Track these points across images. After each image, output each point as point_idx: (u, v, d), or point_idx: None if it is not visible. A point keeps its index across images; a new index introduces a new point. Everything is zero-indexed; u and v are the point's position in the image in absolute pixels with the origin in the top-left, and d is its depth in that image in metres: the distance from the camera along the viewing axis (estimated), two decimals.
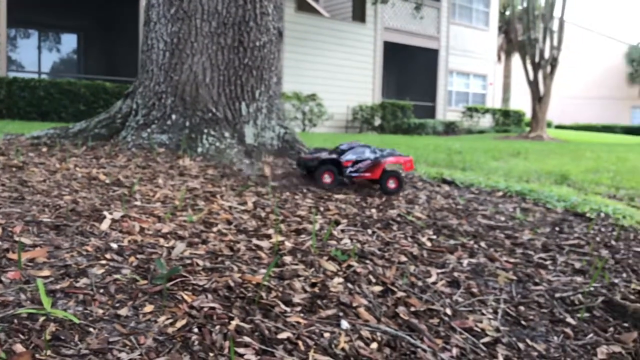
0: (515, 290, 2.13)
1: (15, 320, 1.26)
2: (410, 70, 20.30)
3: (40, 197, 2.28)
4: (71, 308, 1.37)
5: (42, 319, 1.28)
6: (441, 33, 20.04)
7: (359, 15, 18.07)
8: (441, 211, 3.11)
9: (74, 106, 11.62)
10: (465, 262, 2.33)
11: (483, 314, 1.89)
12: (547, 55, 16.85)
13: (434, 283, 2.05)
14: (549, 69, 16.85)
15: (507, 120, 20.62)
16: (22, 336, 1.21)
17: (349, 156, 3.34)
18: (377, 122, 17.03)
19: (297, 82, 15.44)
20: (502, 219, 3.21)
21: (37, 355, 1.15)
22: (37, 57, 16.90)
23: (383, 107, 17.01)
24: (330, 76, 16.59)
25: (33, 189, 2.42)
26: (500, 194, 3.93)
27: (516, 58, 24.26)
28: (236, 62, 4.40)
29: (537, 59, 16.86)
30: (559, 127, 29.24)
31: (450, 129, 18.38)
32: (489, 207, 3.43)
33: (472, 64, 21.56)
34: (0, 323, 1.24)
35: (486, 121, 20.38)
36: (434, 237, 2.59)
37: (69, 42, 18.01)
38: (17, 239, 1.73)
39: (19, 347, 1.16)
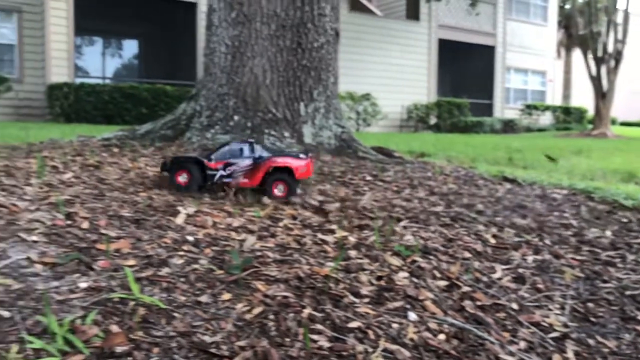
0: (583, 287, 2.11)
1: (109, 304, 1.37)
2: (466, 68, 19.97)
3: (118, 194, 2.43)
4: (156, 294, 1.47)
5: (132, 303, 1.39)
6: (497, 29, 19.62)
7: (412, 13, 17.94)
8: (504, 209, 3.09)
9: (136, 109, 12.07)
10: (530, 258, 2.32)
11: (550, 310, 1.88)
12: (610, 49, 16.21)
13: (499, 279, 2.06)
14: (612, 63, 16.21)
15: (568, 117, 19.96)
16: (116, 318, 1.32)
17: (219, 156, 2.72)
18: (433, 120, 16.85)
19: (351, 82, 15.48)
20: (567, 216, 3.15)
21: (130, 336, 1.25)
22: (101, 63, 17.66)
23: (439, 106, 16.82)
24: (384, 75, 16.55)
25: (111, 187, 2.57)
26: (565, 192, 3.84)
27: (577, 53, 23.43)
28: (295, 64, 4.50)
29: (599, 54, 16.25)
30: (624, 124, 28.03)
31: (508, 127, 17.96)
32: (552, 205, 3.37)
33: (531, 60, 20.98)
34: (96, 306, 1.35)
35: (546, 119, 19.79)
36: (498, 233, 2.58)
37: (131, 47, 18.72)
38: (103, 231, 1.86)
39: (114, 328, 1.27)
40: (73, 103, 11.60)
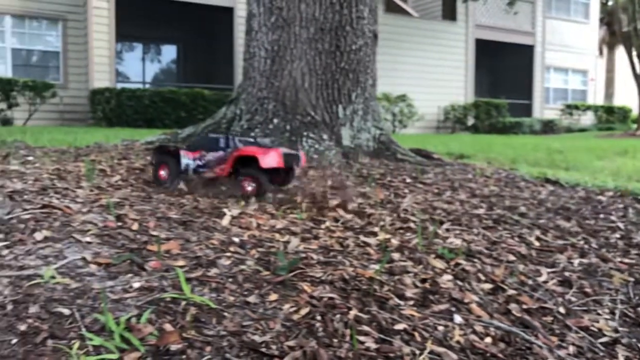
0: (633, 292, 2.06)
1: (162, 304, 1.41)
2: (504, 68, 19.64)
3: (164, 196, 2.49)
4: (206, 294, 1.51)
5: (183, 303, 1.43)
6: (536, 28, 19.24)
7: (449, 13, 17.77)
8: (547, 211, 3.04)
9: (175, 113, 12.30)
10: (576, 262, 2.28)
11: (599, 314, 1.84)
12: None
13: (545, 282, 2.03)
14: None
15: (610, 117, 19.40)
16: (169, 317, 1.36)
17: (197, 146, 2.76)
18: (470, 121, 16.64)
19: (387, 83, 15.38)
20: (613, 219, 3.07)
21: (183, 334, 1.28)
22: (141, 68, 18.05)
23: (476, 106, 16.60)
24: (421, 76, 16.43)
25: (157, 189, 2.64)
26: (610, 193, 3.75)
27: (620, 51, 22.76)
28: (333, 66, 4.52)
29: None
30: None
31: (548, 127, 17.58)
32: (598, 207, 3.30)
33: (571, 59, 20.49)
34: (149, 305, 1.39)
35: (587, 119, 19.30)
36: (542, 236, 2.54)
37: (169, 52, 19.07)
38: (152, 233, 1.91)
39: (168, 327, 1.31)
40: (115, 107, 11.90)
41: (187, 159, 2.73)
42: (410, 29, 16.56)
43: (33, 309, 1.32)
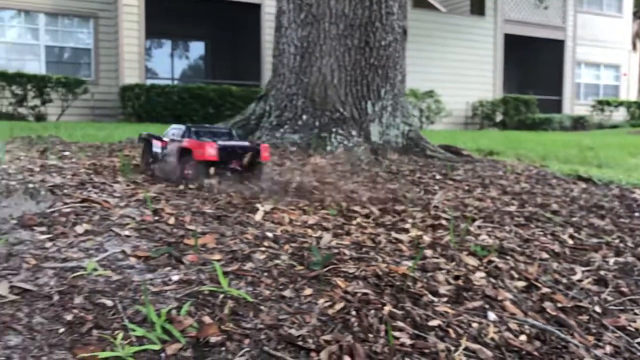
0: None
1: (200, 296, 1.45)
2: (533, 63, 19.32)
3: (198, 191, 2.54)
4: (242, 288, 1.53)
5: (221, 296, 1.46)
6: (567, 23, 18.86)
7: (477, 8, 17.55)
8: (580, 209, 3.00)
9: (203, 109, 12.41)
10: (611, 260, 2.25)
11: (636, 314, 1.82)
12: None
13: (580, 280, 2.01)
14: None
15: None
16: (207, 310, 1.39)
17: (167, 136, 2.82)
18: (499, 117, 16.43)
19: (414, 79, 15.26)
20: None
21: (222, 327, 1.31)
22: (170, 64, 18.27)
23: (505, 102, 16.38)
24: (448, 72, 16.27)
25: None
26: None
27: None
28: (362, 62, 4.52)
29: None
30: None
31: (579, 123, 17.26)
32: (632, 205, 3.24)
33: (603, 54, 20.06)
34: (188, 298, 1.43)
35: (620, 115, 18.87)
36: (575, 234, 2.51)
37: (197, 49, 19.24)
38: (188, 227, 1.95)
39: (207, 319, 1.34)
40: (144, 103, 12.07)
41: (157, 147, 2.87)
42: (438, 24, 16.41)
43: (78, 300, 1.36)
